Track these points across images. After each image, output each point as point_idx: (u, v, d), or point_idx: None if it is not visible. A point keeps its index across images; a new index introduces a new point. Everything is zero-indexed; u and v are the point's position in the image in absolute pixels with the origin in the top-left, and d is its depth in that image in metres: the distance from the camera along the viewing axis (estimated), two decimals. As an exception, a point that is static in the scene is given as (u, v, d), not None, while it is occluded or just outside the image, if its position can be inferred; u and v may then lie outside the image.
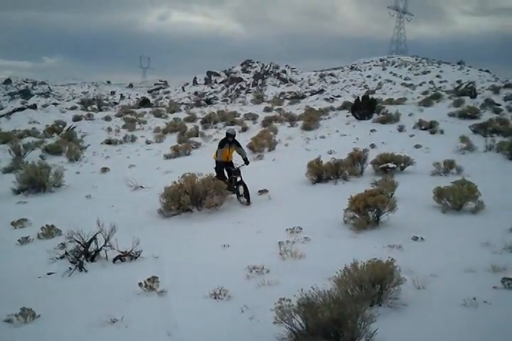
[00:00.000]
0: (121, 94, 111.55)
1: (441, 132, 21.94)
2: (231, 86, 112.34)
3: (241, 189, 11.73)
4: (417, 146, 18.40)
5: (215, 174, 12.39)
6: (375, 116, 27.88)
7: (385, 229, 8.77)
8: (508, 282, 5.68)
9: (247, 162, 12.73)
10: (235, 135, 12.61)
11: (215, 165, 12.57)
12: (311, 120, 27.88)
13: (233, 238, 8.84)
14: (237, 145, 12.69)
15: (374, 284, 5.30)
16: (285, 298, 4.91)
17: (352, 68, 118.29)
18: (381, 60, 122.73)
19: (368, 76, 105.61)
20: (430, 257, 7.04)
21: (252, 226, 9.71)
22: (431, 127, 22.84)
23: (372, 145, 18.78)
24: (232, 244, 8.54)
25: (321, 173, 13.60)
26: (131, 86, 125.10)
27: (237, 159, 13.06)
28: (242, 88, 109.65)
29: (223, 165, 12.35)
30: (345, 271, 5.48)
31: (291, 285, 5.99)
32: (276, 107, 41.14)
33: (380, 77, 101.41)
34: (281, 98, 69.53)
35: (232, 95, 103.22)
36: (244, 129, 28.41)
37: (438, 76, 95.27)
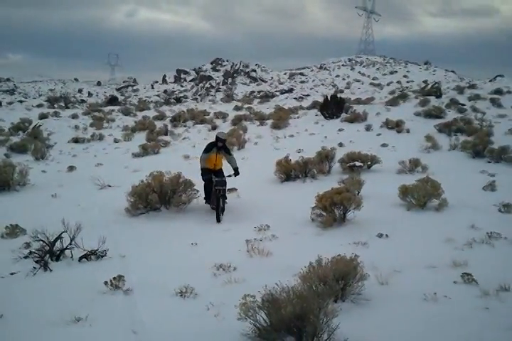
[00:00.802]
0: (89, 92, 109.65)
1: (408, 131, 22.36)
2: (201, 84, 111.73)
3: (221, 202, 10.30)
4: (384, 145, 18.72)
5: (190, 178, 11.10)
6: (343, 115, 28.20)
7: (351, 227, 8.92)
8: (467, 277, 5.85)
9: (236, 172, 10.90)
10: (225, 140, 11.05)
11: (201, 174, 10.88)
12: (280, 119, 28.02)
13: (201, 236, 8.85)
14: (227, 152, 11.03)
15: (338, 280, 5.39)
16: (250, 294, 4.95)
17: (321, 68, 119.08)
18: (350, 60, 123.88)
19: (337, 76, 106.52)
20: (394, 253, 7.19)
21: (220, 224, 9.76)
22: (397, 126, 23.24)
23: (340, 144, 19.02)
24: (199, 242, 8.55)
25: (290, 172, 13.70)
26: (99, 83, 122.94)
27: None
28: (211, 86, 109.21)
29: (210, 176, 10.60)
30: (310, 268, 5.56)
31: (257, 282, 6.05)
32: (246, 106, 41.14)
33: (348, 77, 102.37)
34: (251, 97, 69.68)
35: (202, 94, 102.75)
36: (214, 128, 28.36)
37: (405, 76, 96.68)
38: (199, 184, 11.37)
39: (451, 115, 25.96)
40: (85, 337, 4.87)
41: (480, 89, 37.87)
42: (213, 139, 11.03)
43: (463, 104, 29.88)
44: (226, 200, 10.58)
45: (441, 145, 17.61)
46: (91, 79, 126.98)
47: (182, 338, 4.84)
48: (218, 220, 9.98)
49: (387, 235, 8.16)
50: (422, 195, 9.81)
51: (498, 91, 34.48)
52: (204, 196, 10.91)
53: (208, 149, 10.81)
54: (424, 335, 4.41)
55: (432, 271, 6.33)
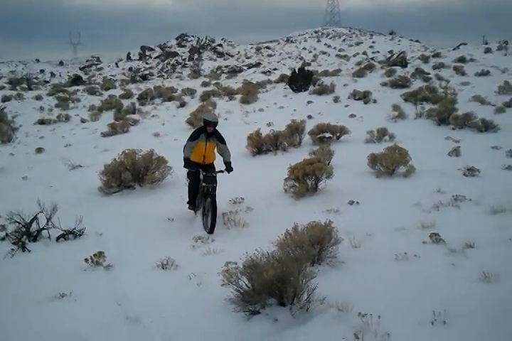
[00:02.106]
0: (52, 72, 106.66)
1: (375, 101, 22.70)
2: (167, 61, 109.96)
3: (207, 204, 8.12)
4: (352, 116, 19.00)
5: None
6: (311, 88, 28.36)
7: (323, 195, 9.17)
8: (435, 237, 6.15)
9: (229, 168, 8.49)
10: (217, 123, 8.39)
11: (186, 170, 8.58)
12: (249, 93, 28.00)
13: (177, 211, 8.98)
14: (220, 140, 8.50)
15: (314, 245, 5.63)
16: (231, 261, 5.13)
17: (287, 41, 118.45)
18: (316, 32, 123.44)
19: (304, 48, 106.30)
20: (365, 219, 7.47)
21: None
22: (364, 97, 23.56)
23: (310, 117, 19.22)
24: (176, 217, 8.70)
25: (261, 145, 13.87)
26: (61, 63, 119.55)
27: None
28: (178, 63, 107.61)
29: (197, 170, 8.35)
30: (287, 235, 5.77)
31: (236, 251, 6.21)
32: (213, 81, 40.84)
33: (315, 49, 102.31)
34: (218, 72, 68.98)
35: (169, 70, 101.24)
36: (183, 105, 28.18)
37: (371, 47, 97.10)
38: (172, 161, 11.44)
39: (417, 84, 26.38)
40: (72, 311, 4.99)
41: (444, 57, 38.40)
42: (198, 125, 10.28)
43: (428, 73, 30.32)
44: (216, 204, 7.94)
45: (408, 114, 17.99)
46: (53, 60, 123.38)
47: (166, 307, 5.00)
48: (211, 231, 7.72)
49: (358, 202, 8.44)
50: (390, 163, 10.11)
51: (462, 60, 35.10)
52: (188, 199, 8.75)
53: (195, 136, 8.36)
54: (397, 290, 4.68)
55: (402, 233, 6.62)
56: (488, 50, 39.71)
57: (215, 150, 8.61)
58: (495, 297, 4.32)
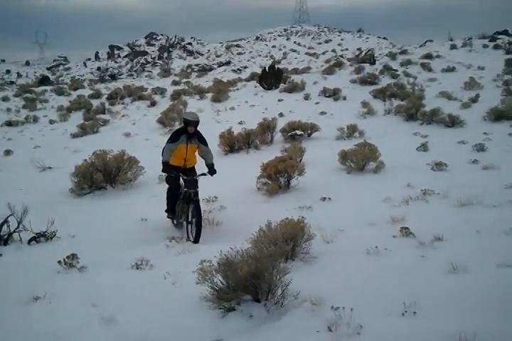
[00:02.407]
0: (18, 73, 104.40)
1: (344, 98, 23.01)
2: (136, 60, 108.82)
3: (191, 211, 7.63)
4: (322, 113, 19.21)
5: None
6: (281, 85, 28.50)
7: (296, 192, 9.28)
8: (405, 230, 6.30)
9: (212, 170, 8.02)
10: (198, 123, 7.76)
11: (164, 174, 8.10)
12: (220, 92, 28.00)
13: (150, 212, 8.91)
14: (202, 141, 7.96)
15: (287, 241, 5.70)
16: (206, 260, 5.17)
17: (257, 39, 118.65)
18: (285, 30, 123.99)
19: (273, 46, 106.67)
20: (337, 214, 7.59)
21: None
22: (334, 94, 23.83)
23: (281, 114, 19.35)
24: (149, 217, 8.65)
25: (233, 144, 13.92)
26: (28, 63, 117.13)
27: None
28: (147, 62, 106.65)
29: (177, 174, 7.86)
30: (261, 232, 5.84)
31: (210, 250, 6.27)
32: (184, 80, 40.67)
33: (284, 47, 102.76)
34: (188, 71, 68.65)
35: (138, 69, 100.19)
36: (153, 104, 27.97)
37: (339, 44, 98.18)
38: (144, 160, 11.39)
39: (385, 81, 26.83)
40: (47, 313, 4.94)
41: (411, 54, 39.04)
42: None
43: (396, 70, 30.86)
44: (201, 211, 7.47)
45: (377, 111, 18.30)
46: (19, 60, 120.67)
47: (141, 307, 5.00)
48: (196, 240, 7.24)
49: (330, 198, 8.57)
50: (360, 159, 10.29)
51: (428, 56, 35.75)
52: (166, 207, 8.16)
53: (175, 138, 7.77)
54: (368, 283, 4.79)
55: (373, 228, 6.76)
56: (453, 47, 40.53)
57: (197, 152, 8.06)
58: (463, 287, 4.46)
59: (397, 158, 10.86)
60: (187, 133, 7.75)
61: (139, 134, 18.80)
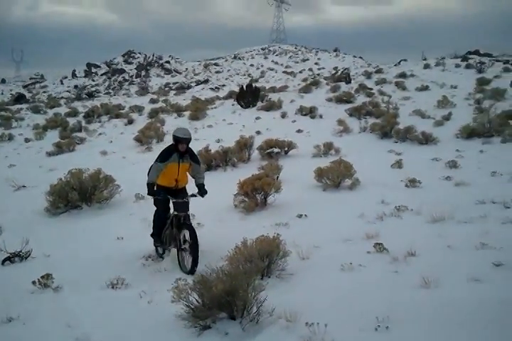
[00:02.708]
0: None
1: (321, 117, 23.31)
2: (113, 78, 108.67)
3: (184, 236, 6.87)
4: (299, 131, 19.42)
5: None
6: (259, 104, 28.79)
7: (272, 210, 9.34)
8: (379, 246, 6.40)
9: (202, 191, 7.37)
10: (190, 140, 7.17)
11: (152, 197, 7.27)
12: (197, 110, 28.11)
13: (126, 230, 8.87)
14: (194, 159, 7.40)
15: (263, 258, 5.75)
16: (181, 278, 5.17)
17: (235, 57, 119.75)
18: (263, 49, 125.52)
19: (251, 65, 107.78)
20: (313, 231, 7.67)
21: (145, 217, 9.77)
22: (311, 112, 24.14)
23: (258, 132, 19.50)
24: (126, 236, 8.60)
25: (211, 161, 13.96)
26: (3, 81, 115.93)
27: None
28: (125, 80, 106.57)
29: (164, 196, 7.08)
30: (236, 249, 5.87)
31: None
32: (162, 98, 40.73)
33: (262, 66, 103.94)
34: (166, 89, 68.80)
35: (116, 87, 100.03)
36: (131, 122, 27.90)
37: (316, 63, 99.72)
38: (120, 179, 11.34)
39: (361, 99, 27.29)
40: (21, 335, 4.87)
41: (386, 73, 39.90)
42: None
43: (371, 89, 31.43)
44: (196, 234, 6.65)
45: (352, 129, 18.59)
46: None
47: (117, 326, 4.97)
48: (192, 271, 6.35)
49: (306, 215, 8.65)
50: (335, 176, 10.42)
51: (403, 75, 36.54)
52: (152, 231, 7.48)
53: (165, 157, 7.10)
54: (342, 299, 4.84)
55: (348, 244, 6.85)
56: (427, 66, 41.53)
57: (187, 173, 7.45)
58: (435, 301, 4.55)
59: (372, 175, 11.03)
60: (178, 151, 7.12)
61: (115, 152, 18.73)
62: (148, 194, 7.11)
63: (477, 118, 17.64)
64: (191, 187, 7.57)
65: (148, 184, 7.02)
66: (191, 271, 6.37)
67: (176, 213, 7.03)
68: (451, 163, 11.69)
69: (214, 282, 4.53)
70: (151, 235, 7.50)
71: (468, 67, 38.38)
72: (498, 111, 18.40)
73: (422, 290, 4.86)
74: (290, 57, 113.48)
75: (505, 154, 12.49)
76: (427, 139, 15.42)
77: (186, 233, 6.79)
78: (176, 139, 7.10)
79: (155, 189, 7.12)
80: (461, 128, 15.90)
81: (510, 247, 5.86)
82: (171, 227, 7.12)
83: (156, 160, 7.11)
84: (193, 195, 7.32)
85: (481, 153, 13.16)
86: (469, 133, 15.54)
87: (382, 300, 4.69)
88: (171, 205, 7.21)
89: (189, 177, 7.54)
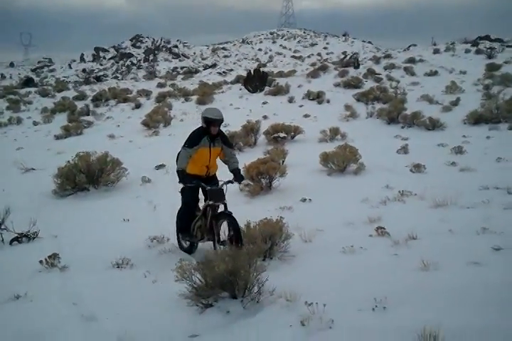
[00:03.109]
0: (2, 74, 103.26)
1: (328, 102, 23.23)
2: (121, 62, 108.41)
3: (223, 227, 6.31)
4: (306, 116, 19.39)
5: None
6: (266, 88, 28.68)
7: (277, 193, 9.42)
8: (381, 230, 6.47)
9: (239, 177, 6.74)
10: (222, 121, 6.48)
11: (180, 185, 6.63)
12: (205, 94, 28.07)
13: (133, 212, 9.00)
14: (226, 142, 6.78)
15: (265, 240, 5.85)
16: (185, 258, 5.28)
17: (243, 42, 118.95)
18: (271, 33, 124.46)
19: (259, 49, 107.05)
20: (316, 215, 7.75)
21: (151, 200, 9.93)
22: (318, 97, 24.06)
23: (265, 117, 19.50)
24: (132, 218, 8.72)
25: (217, 145, 14.01)
26: (12, 65, 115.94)
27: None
28: (133, 64, 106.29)
29: (198, 183, 6.41)
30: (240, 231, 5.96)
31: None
32: (169, 83, 40.65)
33: (270, 50, 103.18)
34: (174, 73, 68.62)
35: (123, 71, 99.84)
36: (138, 106, 27.95)
37: (325, 48, 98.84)
38: (127, 162, 11.45)
39: (369, 84, 27.12)
40: (27, 311, 5.01)
41: (395, 58, 39.48)
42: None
43: (379, 74, 31.20)
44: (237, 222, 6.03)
45: (359, 114, 18.55)
46: (3, 61, 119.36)
47: (121, 304, 5.10)
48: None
49: (310, 199, 8.72)
50: (341, 161, 10.47)
51: (412, 60, 36.19)
52: (178, 226, 6.90)
53: (195, 141, 6.43)
54: (342, 281, 4.94)
55: (350, 228, 6.93)
56: (436, 51, 41.07)
57: (218, 158, 6.81)
58: (432, 284, 4.62)
59: (378, 160, 11.06)
60: (209, 134, 6.47)
61: (123, 136, 18.83)
62: (180, 181, 6.43)
63: (485, 104, 17.52)
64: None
65: (178, 171, 6.37)
66: None
67: (211, 202, 6.34)
68: (457, 148, 11.68)
69: (217, 262, 4.63)
70: (178, 230, 6.89)
71: (478, 52, 37.90)
72: (507, 97, 18.26)
73: (421, 272, 4.93)
74: (299, 41, 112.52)
75: (512, 140, 12.45)
76: (433, 125, 15.37)
77: (225, 224, 6.18)
78: (208, 120, 6.39)
79: (182, 178, 6.40)
80: (468, 114, 15.82)
81: (510, 232, 5.91)
82: (205, 218, 6.48)
83: (184, 145, 6.42)
84: (230, 182, 6.60)
85: (488, 139, 13.12)
86: (476, 119, 15.46)
87: (381, 282, 4.77)
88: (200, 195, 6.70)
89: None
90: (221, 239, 6.22)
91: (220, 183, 6.56)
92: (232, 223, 5.99)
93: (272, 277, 4.80)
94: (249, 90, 28.97)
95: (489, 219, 6.51)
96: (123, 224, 8.51)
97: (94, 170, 10.94)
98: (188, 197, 6.67)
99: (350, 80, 28.34)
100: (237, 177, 6.71)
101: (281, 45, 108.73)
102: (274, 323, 4.15)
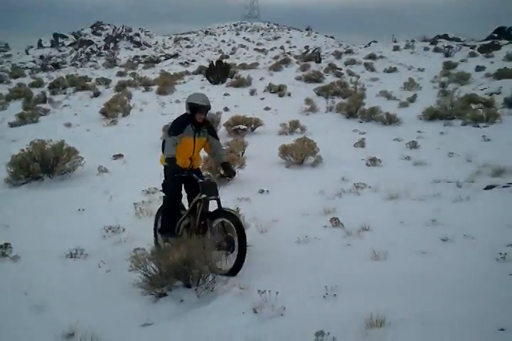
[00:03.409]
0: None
1: (289, 95, 23.38)
2: (81, 49, 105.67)
3: (219, 227, 5.50)
4: (267, 108, 19.48)
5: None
6: (228, 80, 28.60)
7: (236, 185, 9.45)
8: (335, 221, 6.63)
9: (230, 171, 6.21)
10: (209, 108, 5.91)
11: (163, 179, 6.15)
12: (166, 84, 27.73)
13: (88, 202, 8.86)
14: (212, 132, 6.14)
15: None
16: (139, 248, 5.27)
17: (206, 33, 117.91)
18: (235, 25, 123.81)
19: (223, 41, 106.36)
20: (273, 206, 7.83)
21: (107, 190, 9.78)
22: (280, 90, 24.16)
23: (226, 109, 19.48)
24: (87, 208, 8.58)
25: (176, 136, 13.91)
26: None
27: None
28: (92, 51, 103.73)
29: (189, 174, 5.81)
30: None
31: (146, 239, 6.40)
32: (130, 71, 39.90)
33: (234, 42, 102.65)
34: (135, 62, 67.42)
35: (83, 59, 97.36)
36: (97, 94, 27.35)
37: (288, 41, 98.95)
38: (84, 151, 11.23)
39: (329, 79, 27.42)
40: (-24, 302, 4.91)
41: (356, 54, 40.01)
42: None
43: (340, 69, 31.56)
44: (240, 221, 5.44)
45: (319, 108, 18.76)
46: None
47: (74, 294, 5.05)
48: (235, 272, 5.11)
49: (267, 190, 8.81)
50: (299, 154, 10.60)
51: (372, 56, 36.74)
52: (160, 226, 6.12)
53: (178, 129, 5.79)
54: (295, 270, 5.05)
55: (306, 219, 7.05)
56: (396, 48, 41.86)
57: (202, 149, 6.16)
58: (382, 272, 4.79)
59: (335, 153, 11.25)
60: (194, 122, 5.86)
61: (80, 125, 18.44)
62: (173, 172, 5.67)
63: (441, 101, 18.02)
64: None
65: (168, 159, 5.61)
66: (234, 273, 5.08)
67: (204, 196, 5.58)
68: (411, 143, 11.99)
69: (171, 251, 4.64)
70: (159, 230, 6.10)
71: (436, 50, 38.84)
72: (462, 94, 18.83)
73: (372, 262, 5.09)
74: (262, 34, 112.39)
75: (464, 136, 12.86)
76: (390, 120, 15.71)
77: (221, 223, 5.45)
78: (193, 107, 5.78)
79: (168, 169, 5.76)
80: (424, 111, 16.23)
81: (457, 224, 6.15)
82: (193, 216, 5.76)
83: (169, 133, 5.77)
84: (222, 176, 5.84)
85: (442, 135, 13.51)
86: (432, 115, 15.88)
87: (333, 271, 4.90)
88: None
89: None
90: (217, 242, 5.31)
91: (208, 177, 5.73)
92: (235, 223, 5.28)
93: (226, 267, 4.86)
94: (211, 81, 28.82)
95: (439, 212, 6.76)
96: (78, 214, 8.36)
97: (49, 158, 10.68)
98: (174, 190, 5.89)
99: (311, 74, 28.56)
100: (228, 171, 6.13)
101: (244, 38, 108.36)
102: (227, 311, 4.21)
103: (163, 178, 6.10)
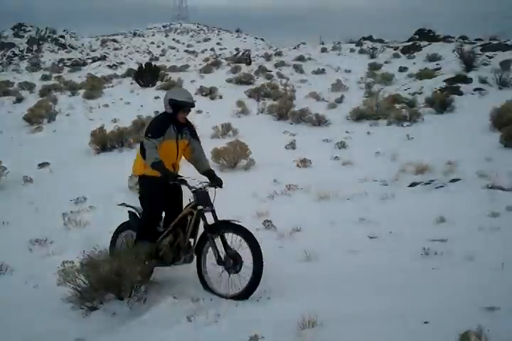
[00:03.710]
0: None
1: (221, 97, 23.37)
2: (2, 52, 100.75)
3: (215, 245, 4.94)
4: (199, 112, 19.34)
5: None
6: (158, 83, 28.21)
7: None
8: (267, 224, 6.75)
9: (218, 179, 5.54)
10: (194, 105, 5.24)
11: (140, 191, 5.51)
12: (93, 88, 26.97)
13: (13, 214, 8.54)
14: (194, 134, 5.41)
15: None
16: (68, 260, 5.10)
17: (135, 34, 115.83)
18: (164, 27, 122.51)
19: (152, 42, 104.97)
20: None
21: (33, 200, 9.39)
22: (211, 93, 24.13)
23: (157, 112, 19.05)
24: (11, 220, 8.25)
25: (106, 142, 13.58)
26: None
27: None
28: (15, 54, 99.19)
29: (183, 180, 5.16)
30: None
31: (76, 251, 6.17)
32: (55, 75, 38.52)
33: (163, 44, 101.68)
34: (60, 65, 65.16)
35: (4, 62, 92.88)
36: (20, 100, 26.14)
37: (218, 43, 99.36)
38: (6, 160, 10.74)
39: (260, 81, 27.66)
40: None
41: (285, 56, 40.58)
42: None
43: (270, 71, 31.94)
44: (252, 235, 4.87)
45: (251, 110, 18.90)
46: None
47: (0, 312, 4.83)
48: (248, 295, 4.49)
49: (201, 195, 8.77)
50: (231, 157, 10.66)
51: (301, 58, 37.41)
52: (139, 237, 5.20)
53: (160, 130, 5.04)
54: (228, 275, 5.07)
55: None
56: (324, 50, 42.83)
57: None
58: (313, 273, 4.92)
59: (267, 155, 11.36)
60: (176, 122, 5.14)
61: (2, 132, 17.57)
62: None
63: (366, 101, 18.66)
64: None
65: (155, 163, 4.83)
66: (246, 296, 4.46)
67: (200, 208, 5.00)
68: (340, 143, 12.36)
69: (101, 263, 4.53)
70: (138, 238, 5.20)
71: (361, 52, 40.08)
72: (386, 95, 19.60)
73: (304, 263, 5.22)
74: (192, 36, 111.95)
75: (389, 136, 13.39)
76: (319, 121, 16.09)
77: (221, 237, 4.92)
78: (177, 104, 5.04)
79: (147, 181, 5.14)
80: (351, 111, 16.75)
81: (384, 221, 6.42)
82: (182, 232, 5.01)
83: (147, 135, 4.98)
84: (211, 185, 5.28)
85: (368, 135, 14.01)
86: (359, 116, 16.42)
87: (267, 274, 4.93)
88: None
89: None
90: (223, 262, 4.77)
91: (202, 185, 5.18)
92: (248, 238, 4.67)
93: (158, 275, 4.82)
94: (140, 84, 28.30)
95: (367, 210, 7.02)
96: (1, 227, 8.00)
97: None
98: (156, 203, 5.10)
99: (242, 76, 28.71)
100: (215, 179, 5.41)
101: (174, 39, 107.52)
102: (161, 322, 4.17)
103: (140, 190, 5.38)
